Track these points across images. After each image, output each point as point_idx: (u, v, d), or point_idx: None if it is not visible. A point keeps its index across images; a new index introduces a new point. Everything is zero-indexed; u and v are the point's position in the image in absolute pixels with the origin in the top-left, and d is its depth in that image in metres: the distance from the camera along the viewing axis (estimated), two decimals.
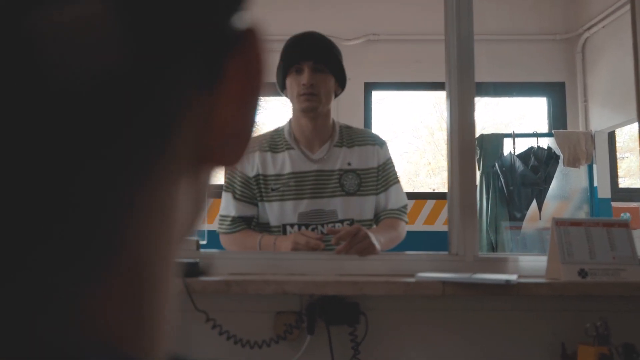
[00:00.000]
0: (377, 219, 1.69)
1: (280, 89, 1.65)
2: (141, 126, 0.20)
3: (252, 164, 1.62)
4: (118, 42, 0.18)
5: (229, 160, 0.25)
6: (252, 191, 1.62)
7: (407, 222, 1.71)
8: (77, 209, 0.19)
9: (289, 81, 1.59)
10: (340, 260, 1.42)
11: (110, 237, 0.20)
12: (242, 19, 0.24)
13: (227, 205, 1.64)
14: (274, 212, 1.59)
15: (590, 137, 3.81)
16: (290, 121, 1.67)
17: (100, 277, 0.20)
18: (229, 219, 1.63)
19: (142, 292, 0.21)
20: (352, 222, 1.60)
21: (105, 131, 0.19)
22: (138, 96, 0.19)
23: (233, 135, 0.24)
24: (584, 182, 3.84)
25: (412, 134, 6.65)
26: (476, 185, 1.53)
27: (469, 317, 1.35)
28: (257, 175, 1.61)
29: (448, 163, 1.54)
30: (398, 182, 1.71)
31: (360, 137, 1.70)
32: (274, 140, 1.66)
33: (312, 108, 1.57)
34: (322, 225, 1.56)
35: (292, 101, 1.61)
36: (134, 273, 0.21)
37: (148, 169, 0.21)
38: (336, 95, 1.67)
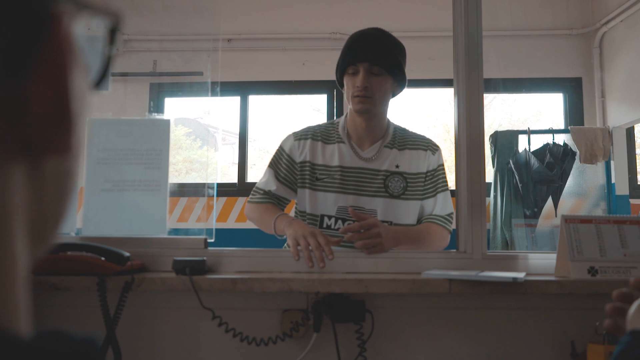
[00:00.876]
0: (419, 222, 1.67)
1: (339, 85, 1.67)
2: None
3: (302, 150, 1.64)
4: None
5: (61, 147, 0.25)
6: (294, 176, 1.65)
7: (450, 231, 1.66)
8: None
9: (345, 80, 1.60)
10: (347, 258, 1.42)
11: None
12: (47, 6, 0.24)
13: (267, 181, 1.68)
14: (314, 200, 1.60)
15: (608, 133, 3.75)
16: (345, 117, 1.69)
17: None
18: (262, 192, 1.68)
19: None
20: (390, 224, 1.58)
21: None
22: None
23: (55, 121, 0.24)
24: (602, 179, 3.78)
25: (428, 131, 6.61)
26: (485, 183, 1.51)
27: (476, 315, 1.34)
28: (305, 162, 1.63)
29: (456, 161, 1.53)
30: (447, 189, 1.68)
31: (413, 141, 1.68)
32: (328, 132, 1.68)
33: (365, 110, 1.57)
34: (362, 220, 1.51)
35: (347, 100, 1.62)
36: None
37: None
38: (394, 95, 1.67)
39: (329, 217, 1.59)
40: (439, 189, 1.66)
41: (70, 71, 0.25)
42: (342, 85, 1.65)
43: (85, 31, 0.27)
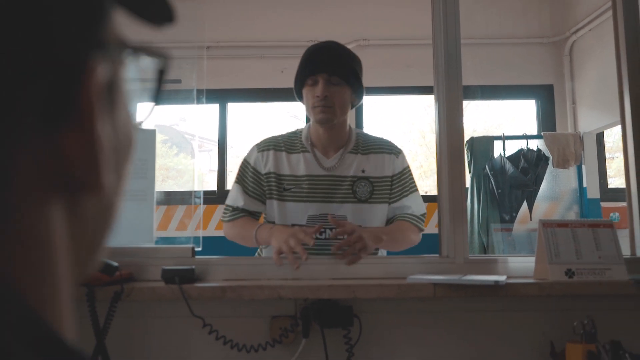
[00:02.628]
0: (391, 221, 1.69)
1: (298, 98, 1.68)
2: None
3: (266, 161, 1.65)
4: None
5: (96, 186, 0.27)
6: (262, 188, 1.65)
7: (422, 230, 1.69)
8: None
9: (305, 92, 1.62)
10: (333, 264, 1.44)
11: None
12: (90, 53, 0.26)
13: (235, 197, 1.68)
14: (284, 211, 1.62)
15: (579, 139, 3.86)
16: (309, 127, 1.70)
17: None
18: (231, 208, 1.67)
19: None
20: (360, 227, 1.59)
21: None
22: None
23: (89, 163, 0.27)
24: (574, 183, 3.89)
25: (403, 137, 6.69)
26: (466, 188, 1.55)
27: (460, 317, 1.38)
28: (269, 173, 1.64)
29: (437, 167, 1.58)
30: (415, 190, 1.70)
31: (376, 145, 1.70)
32: (292, 141, 1.69)
33: (326, 120, 1.58)
34: (331, 229, 1.56)
35: (308, 111, 1.64)
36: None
37: (12, 185, 0.24)
38: (353, 106, 1.69)
39: (300, 227, 1.58)
40: (407, 192, 1.69)
41: (101, 117, 0.27)
42: (300, 98, 1.67)
43: (133, 71, 0.30)
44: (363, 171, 1.64)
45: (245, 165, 1.69)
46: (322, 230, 1.57)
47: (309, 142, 1.67)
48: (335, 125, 1.63)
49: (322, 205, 1.60)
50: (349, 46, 4.51)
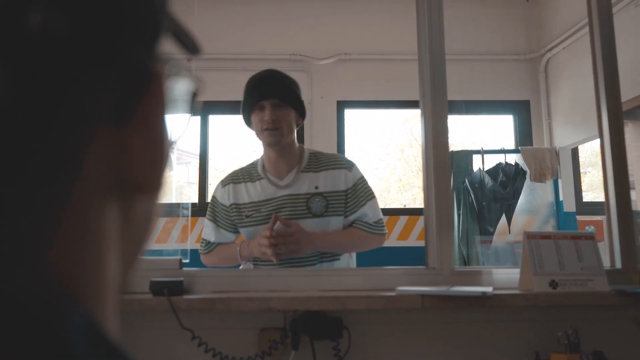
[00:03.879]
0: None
1: (247, 124, 1.78)
2: (39, 156, 0.24)
3: (228, 195, 1.78)
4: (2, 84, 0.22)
5: (153, 187, 0.29)
6: (231, 218, 1.78)
7: (380, 235, 1.76)
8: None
9: (253, 118, 1.72)
10: (322, 276, 1.45)
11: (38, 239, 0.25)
12: (151, 65, 0.29)
13: (209, 232, 1.82)
14: (249, 236, 1.73)
15: (555, 153, 3.96)
16: (262, 156, 1.82)
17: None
18: (206, 242, 1.82)
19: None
20: None
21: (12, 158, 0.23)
22: (27, 131, 0.24)
23: (149, 163, 0.29)
24: (550, 197, 3.97)
25: (382, 151, 6.76)
26: (451, 202, 1.58)
27: (448, 328, 1.39)
28: (231, 205, 1.77)
29: (423, 180, 1.60)
30: (372, 198, 1.77)
31: (328, 162, 1.78)
32: (250, 173, 1.81)
33: (276, 142, 1.70)
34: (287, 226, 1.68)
35: (258, 136, 1.74)
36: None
37: (68, 193, 0.26)
38: (298, 125, 1.79)
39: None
40: (362, 202, 1.75)
41: (164, 120, 0.29)
42: (249, 124, 1.77)
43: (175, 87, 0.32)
44: (316, 187, 1.73)
45: (214, 202, 1.83)
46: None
47: (263, 168, 1.79)
48: (285, 146, 1.73)
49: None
50: (330, 60, 4.57)
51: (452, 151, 3.92)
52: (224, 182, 1.82)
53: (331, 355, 1.30)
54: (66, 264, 0.26)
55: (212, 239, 1.80)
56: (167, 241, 3.41)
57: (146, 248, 0.33)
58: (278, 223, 1.62)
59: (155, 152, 0.29)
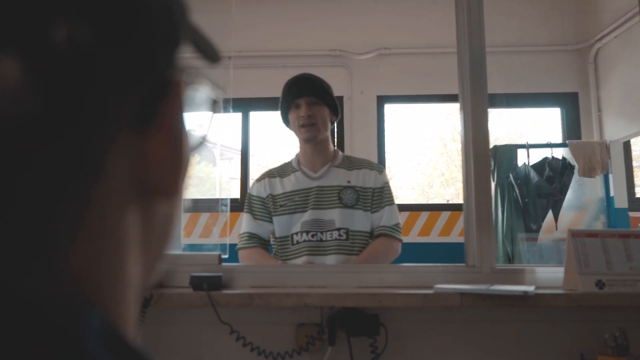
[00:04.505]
0: (372, 233, 1.86)
1: (285, 124, 1.93)
2: (60, 161, 0.25)
3: (264, 188, 1.89)
4: (29, 93, 0.23)
5: (171, 191, 0.30)
6: (267, 209, 1.88)
7: (398, 240, 1.85)
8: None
9: (290, 116, 1.87)
10: (360, 272, 1.44)
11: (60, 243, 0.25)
12: (171, 73, 0.30)
13: (246, 224, 1.90)
14: (283, 224, 1.83)
15: (605, 147, 3.80)
16: (297, 154, 1.95)
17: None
18: (246, 235, 1.88)
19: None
20: (347, 231, 1.80)
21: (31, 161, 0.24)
22: (51, 136, 0.25)
23: (169, 169, 0.29)
24: (600, 192, 3.82)
25: (425, 145, 6.67)
26: (491, 197, 1.54)
27: (487, 328, 1.36)
28: (267, 196, 1.88)
29: (463, 175, 1.57)
30: (393, 204, 1.89)
31: (360, 163, 1.93)
32: (283, 169, 1.94)
33: (312, 137, 1.84)
34: (322, 232, 1.78)
35: (295, 133, 1.89)
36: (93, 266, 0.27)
37: (88, 196, 0.26)
38: (332, 123, 1.93)
39: (296, 234, 1.80)
40: (385, 203, 1.86)
41: (184, 126, 0.30)
42: (287, 124, 1.92)
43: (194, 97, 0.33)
44: (349, 181, 1.85)
45: (249, 197, 1.93)
46: (314, 233, 1.78)
47: (298, 162, 1.92)
48: (320, 142, 1.87)
49: (313, 212, 1.81)
50: (370, 55, 4.55)
51: (495, 146, 3.82)
52: (259, 179, 1.95)
53: (368, 352, 1.30)
54: (85, 267, 0.26)
55: (248, 229, 1.88)
56: (209, 236, 3.49)
57: (167, 251, 0.33)
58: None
59: (174, 157, 0.30)
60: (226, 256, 1.46)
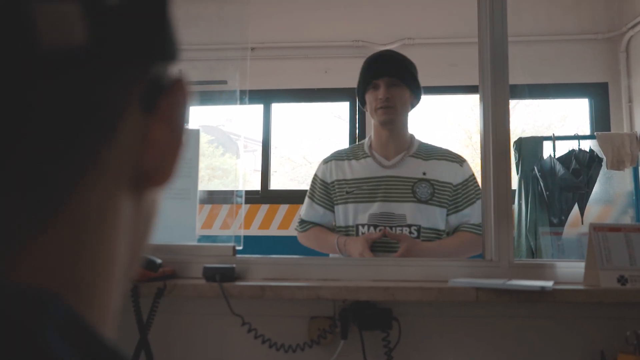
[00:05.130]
0: (447, 232, 1.75)
1: (362, 104, 1.81)
2: (80, 105, 0.26)
3: (331, 172, 1.79)
4: (82, 24, 0.25)
5: (165, 176, 0.31)
6: (330, 196, 1.78)
7: (479, 236, 1.70)
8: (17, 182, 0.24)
9: (367, 97, 1.75)
10: (374, 265, 1.43)
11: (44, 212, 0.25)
12: (173, 72, 0.32)
13: (305, 210, 1.84)
14: (348, 213, 1.72)
15: (636, 139, 3.68)
16: (370, 136, 1.83)
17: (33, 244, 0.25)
18: (301, 220, 1.83)
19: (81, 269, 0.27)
20: (419, 228, 1.67)
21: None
22: (85, 77, 0.26)
23: (166, 154, 0.30)
24: (629, 186, 3.71)
25: (449, 138, 6.57)
26: (511, 190, 1.51)
27: (503, 323, 1.34)
28: (334, 181, 1.78)
29: (482, 168, 1.53)
30: (480, 198, 1.70)
31: (439, 153, 1.78)
32: (354, 151, 1.82)
33: (389, 120, 1.72)
34: (391, 227, 1.65)
35: (371, 115, 1.77)
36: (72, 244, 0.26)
37: (84, 169, 0.26)
38: (412, 107, 1.79)
39: (363, 226, 1.69)
40: (472, 200, 1.72)
41: (183, 117, 0.32)
42: (363, 104, 1.79)
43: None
44: (424, 174, 1.71)
45: (314, 180, 1.84)
46: (382, 227, 1.65)
47: (370, 148, 1.78)
48: (396, 127, 1.74)
49: (382, 204, 1.68)
50: (394, 46, 4.50)
51: (520, 138, 3.74)
52: (326, 160, 1.83)
53: (380, 346, 1.28)
54: (57, 256, 0.26)
55: (306, 217, 1.82)
56: (230, 228, 3.51)
57: (148, 243, 0.34)
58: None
59: (172, 144, 0.31)
60: (240, 247, 1.46)
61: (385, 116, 1.70)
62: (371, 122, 4.38)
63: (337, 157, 1.81)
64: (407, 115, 1.77)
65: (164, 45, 0.30)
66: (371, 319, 1.29)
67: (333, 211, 1.78)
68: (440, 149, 1.81)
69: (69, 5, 0.25)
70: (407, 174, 1.71)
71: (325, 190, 1.78)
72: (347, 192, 1.72)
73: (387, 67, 1.72)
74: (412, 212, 1.66)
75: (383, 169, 1.73)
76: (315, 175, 1.83)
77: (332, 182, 1.77)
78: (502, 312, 1.33)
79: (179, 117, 0.31)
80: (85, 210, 0.27)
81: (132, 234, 0.30)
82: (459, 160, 1.76)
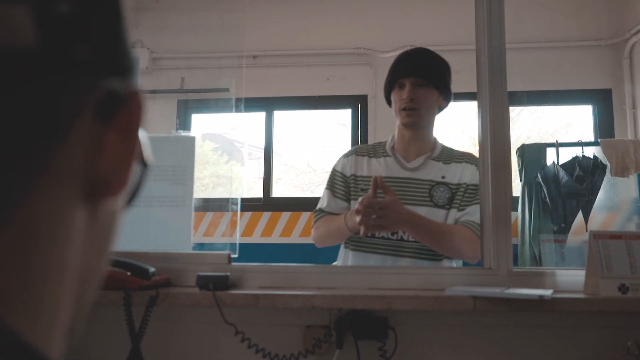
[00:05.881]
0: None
1: (388, 103, 1.75)
2: (31, 108, 0.25)
3: (350, 165, 1.74)
4: (30, 25, 0.24)
5: (118, 186, 0.30)
6: (348, 188, 1.73)
7: (478, 238, 1.63)
8: None
9: (393, 96, 1.69)
10: (370, 274, 1.41)
11: None
12: (129, 84, 0.32)
13: (323, 200, 1.77)
14: None
15: None
16: (393, 135, 1.76)
17: None
18: (318, 211, 1.75)
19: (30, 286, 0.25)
20: None
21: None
22: (32, 77, 0.25)
23: (121, 161, 0.30)
24: (634, 192, 3.67)
25: (454, 145, 6.55)
26: (511, 198, 1.49)
27: (501, 333, 1.31)
28: (351, 175, 1.73)
29: (480, 175, 1.52)
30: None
31: (460, 155, 1.73)
32: (375, 149, 1.77)
33: (412, 123, 1.66)
34: (404, 232, 1.60)
35: (395, 115, 1.71)
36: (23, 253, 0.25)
37: (33, 177, 0.25)
38: (440, 109, 1.74)
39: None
40: (476, 200, 1.64)
41: (139, 125, 0.31)
42: (390, 103, 1.73)
43: None
44: (443, 177, 1.66)
45: (333, 172, 1.78)
46: (396, 230, 1.60)
47: (392, 147, 1.73)
48: (420, 129, 1.69)
49: None
50: (395, 53, 4.47)
51: (523, 144, 3.72)
52: (346, 154, 1.78)
53: (376, 356, 1.26)
54: (2, 266, 0.25)
55: (324, 206, 1.74)
56: (232, 235, 3.50)
57: (112, 250, 0.33)
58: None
59: (127, 154, 0.30)
60: (236, 255, 1.45)
61: (408, 119, 1.65)
62: (374, 129, 4.36)
63: (358, 152, 1.76)
64: (432, 118, 1.72)
65: (117, 56, 0.30)
66: (367, 328, 1.27)
67: (349, 202, 1.73)
68: (463, 152, 1.77)
69: (18, 7, 0.24)
70: (426, 176, 1.66)
71: (345, 183, 1.73)
72: (362, 190, 1.67)
73: (415, 67, 1.66)
74: (427, 216, 1.59)
75: (403, 170, 1.69)
76: (334, 169, 1.77)
77: (350, 176, 1.72)
78: (499, 322, 1.31)
79: (134, 128, 0.31)
80: (35, 219, 0.25)
81: (87, 246, 0.30)
82: (477, 162, 1.65)
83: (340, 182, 1.73)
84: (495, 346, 1.31)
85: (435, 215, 1.61)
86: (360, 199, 1.51)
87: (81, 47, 0.27)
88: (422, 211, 1.59)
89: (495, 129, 1.50)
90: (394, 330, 1.28)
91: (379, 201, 1.49)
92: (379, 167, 1.69)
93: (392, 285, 1.39)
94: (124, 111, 0.30)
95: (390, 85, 1.68)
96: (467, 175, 1.67)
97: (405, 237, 1.61)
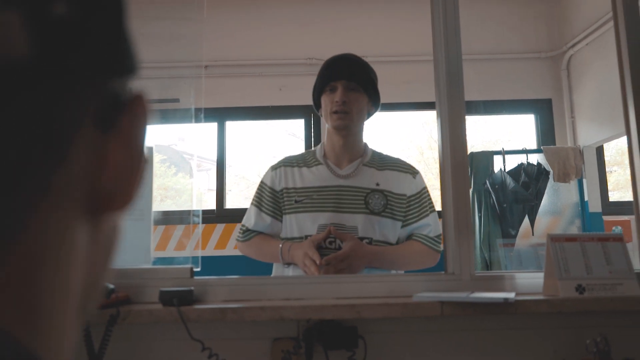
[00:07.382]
0: (407, 239, 1.70)
1: (316, 107, 1.72)
2: (35, 134, 0.23)
3: (280, 179, 1.68)
4: (24, 38, 0.22)
5: (124, 200, 0.28)
6: (278, 205, 1.68)
7: (439, 252, 1.67)
8: None
9: (323, 100, 1.66)
10: (337, 283, 1.40)
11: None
12: (132, 88, 0.30)
13: (248, 217, 1.72)
14: (296, 223, 1.62)
15: (579, 152, 3.85)
16: (322, 142, 1.75)
17: None
18: (245, 229, 1.71)
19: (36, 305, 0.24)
20: (370, 240, 1.60)
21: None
22: (28, 90, 0.23)
23: (126, 175, 0.28)
24: (575, 197, 3.86)
25: (401, 154, 6.68)
26: (470, 204, 1.52)
27: (469, 336, 1.33)
28: (282, 189, 1.67)
29: (441, 182, 1.54)
30: (434, 211, 1.70)
31: (393, 163, 1.72)
32: (305, 158, 1.73)
33: (344, 126, 1.63)
34: (342, 240, 1.57)
35: (325, 119, 1.68)
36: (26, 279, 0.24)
37: (35, 200, 0.24)
38: (369, 115, 1.72)
39: (311, 238, 1.59)
40: (425, 212, 1.68)
41: (144, 137, 0.29)
42: (318, 107, 1.71)
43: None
44: (377, 184, 1.64)
45: (261, 186, 1.73)
46: (332, 240, 1.57)
47: (323, 154, 1.70)
48: (351, 133, 1.66)
49: (333, 214, 1.60)
50: None
51: (472, 152, 3.84)
52: (275, 167, 1.73)
53: None
54: (10, 291, 0.23)
55: (250, 225, 1.69)
56: (185, 249, 3.41)
57: (112, 265, 0.31)
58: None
59: (132, 165, 0.28)
60: (198, 269, 1.41)
61: (340, 121, 1.62)
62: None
63: (287, 163, 1.71)
64: (362, 123, 1.69)
65: (119, 60, 0.28)
66: (336, 338, 1.26)
67: (281, 221, 1.67)
68: (393, 158, 1.76)
69: (7, 14, 0.22)
70: (360, 183, 1.63)
71: (274, 198, 1.67)
72: (296, 201, 1.63)
73: (347, 70, 1.64)
74: (364, 224, 1.59)
75: (336, 177, 1.65)
76: (263, 182, 1.72)
77: (281, 190, 1.66)
78: (466, 325, 1.33)
79: (139, 136, 0.29)
80: (39, 242, 0.24)
81: (90, 263, 0.28)
82: (412, 171, 1.71)
83: (269, 198, 1.69)
84: (463, 350, 1.33)
85: (372, 222, 1.60)
86: (309, 252, 1.50)
87: (79, 53, 0.25)
88: (359, 219, 1.59)
89: (453, 137, 1.54)
90: (364, 339, 1.27)
91: (338, 254, 1.50)
92: (311, 177, 1.66)
93: (359, 294, 1.39)
94: (127, 117, 0.28)
95: (321, 88, 1.66)
96: (406, 186, 1.67)
97: (343, 246, 1.59)
